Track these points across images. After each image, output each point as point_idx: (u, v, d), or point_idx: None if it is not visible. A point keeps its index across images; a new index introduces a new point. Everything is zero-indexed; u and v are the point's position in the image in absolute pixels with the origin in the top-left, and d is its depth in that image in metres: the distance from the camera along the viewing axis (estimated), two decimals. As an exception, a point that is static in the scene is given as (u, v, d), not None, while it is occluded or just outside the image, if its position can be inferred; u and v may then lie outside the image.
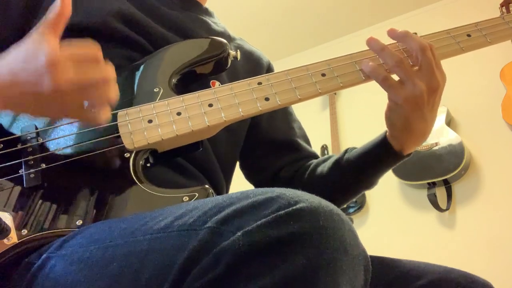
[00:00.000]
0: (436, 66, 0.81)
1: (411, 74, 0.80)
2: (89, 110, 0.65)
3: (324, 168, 0.99)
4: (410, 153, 0.91)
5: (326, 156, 1.04)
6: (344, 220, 0.51)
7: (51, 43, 0.63)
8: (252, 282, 0.46)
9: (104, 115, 0.66)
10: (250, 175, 1.09)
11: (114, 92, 0.66)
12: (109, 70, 0.66)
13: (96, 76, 0.64)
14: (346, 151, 0.97)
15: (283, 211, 0.48)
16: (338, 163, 0.97)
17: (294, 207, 0.48)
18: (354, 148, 0.97)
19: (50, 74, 0.61)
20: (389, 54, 0.81)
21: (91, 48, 0.65)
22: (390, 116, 0.86)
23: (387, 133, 0.90)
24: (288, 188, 0.53)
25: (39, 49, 0.62)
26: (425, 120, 0.83)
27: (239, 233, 0.47)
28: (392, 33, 0.84)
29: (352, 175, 0.95)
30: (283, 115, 1.10)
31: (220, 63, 0.89)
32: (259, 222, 0.47)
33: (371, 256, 0.84)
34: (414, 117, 0.82)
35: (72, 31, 0.84)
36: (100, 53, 0.65)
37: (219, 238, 0.48)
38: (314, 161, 1.04)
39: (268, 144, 1.06)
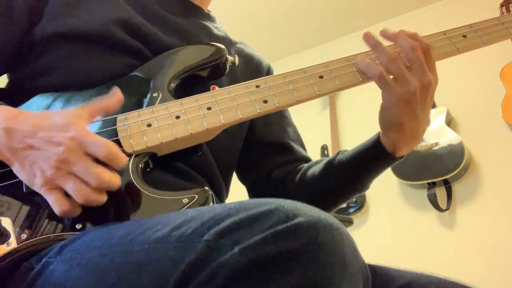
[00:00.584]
0: (429, 66, 0.81)
1: (404, 71, 0.80)
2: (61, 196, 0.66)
3: (315, 170, 0.98)
4: (403, 156, 0.91)
5: (318, 159, 1.03)
6: (344, 234, 0.50)
7: (82, 125, 0.68)
8: None
9: (61, 204, 0.66)
10: (243, 176, 1.09)
11: (98, 197, 0.67)
12: (116, 180, 0.68)
13: (100, 177, 0.66)
14: (338, 153, 0.97)
15: (281, 226, 0.47)
16: (330, 165, 0.96)
17: (292, 222, 0.48)
18: (346, 150, 0.96)
19: (64, 146, 0.65)
20: (383, 51, 0.82)
21: (112, 150, 0.68)
22: (383, 115, 0.86)
23: (380, 134, 0.90)
24: (287, 200, 0.52)
25: (71, 124, 0.67)
26: (417, 119, 0.84)
27: (236, 249, 0.47)
28: (383, 33, 0.85)
29: (344, 177, 0.95)
30: (278, 119, 1.10)
31: (218, 68, 0.90)
32: (256, 238, 0.47)
33: (373, 265, 0.84)
34: (407, 116, 0.83)
35: (74, 39, 0.84)
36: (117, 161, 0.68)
37: (216, 253, 0.47)
38: (306, 164, 1.04)
39: (261, 146, 1.06)
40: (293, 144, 1.08)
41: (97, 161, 0.67)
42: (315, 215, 0.49)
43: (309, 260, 0.46)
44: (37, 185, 0.66)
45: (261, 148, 1.06)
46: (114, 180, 0.67)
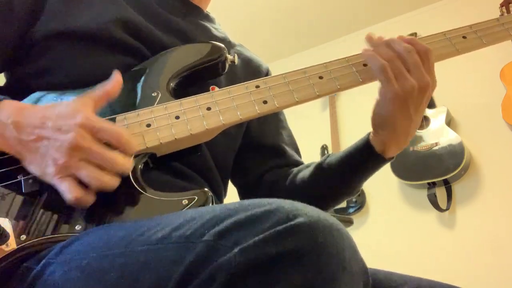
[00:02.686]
0: (426, 69, 0.81)
1: (403, 69, 0.80)
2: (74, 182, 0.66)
3: (305, 174, 0.98)
4: (392, 157, 0.91)
5: (309, 163, 1.03)
6: (344, 235, 0.50)
7: (90, 112, 0.69)
8: None
9: (73, 191, 0.66)
10: (234, 177, 1.08)
11: (113, 181, 0.67)
12: (130, 164, 0.69)
13: (109, 157, 0.67)
14: (328, 156, 0.97)
15: (281, 227, 0.47)
16: (319, 167, 0.96)
17: (292, 223, 0.47)
18: (335, 154, 0.96)
19: (74, 133, 0.65)
20: (385, 49, 0.82)
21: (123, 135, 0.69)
22: (378, 111, 0.85)
23: (370, 135, 0.89)
24: (287, 200, 0.52)
25: (77, 111, 0.68)
26: (410, 119, 0.83)
27: (235, 250, 0.47)
28: (380, 39, 0.85)
29: (333, 180, 0.95)
30: (273, 121, 1.10)
31: (217, 67, 0.89)
32: (256, 238, 0.47)
33: (376, 270, 0.84)
34: (400, 115, 0.82)
35: (74, 38, 0.84)
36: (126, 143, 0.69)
37: (216, 253, 0.47)
38: (296, 168, 1.04)
39: (255, 148, 1.06)
40: (286, 148, 1.08)
41: (107, 146, 0.68)
42: (315, 216, 0.49)
43: (309, 261, 0.46)
44: (50, 175, 0.66)
45: (254, 151, 1.05)
46: (128, 164, 0.69)
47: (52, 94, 0.81)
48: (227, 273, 0.46)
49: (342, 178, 0.94)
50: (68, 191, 0.65)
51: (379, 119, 0.85)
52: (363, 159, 0.90)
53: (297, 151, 1.12)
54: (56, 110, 0.68)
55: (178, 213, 0.59)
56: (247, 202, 0.53)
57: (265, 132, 1.07)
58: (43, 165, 0.66)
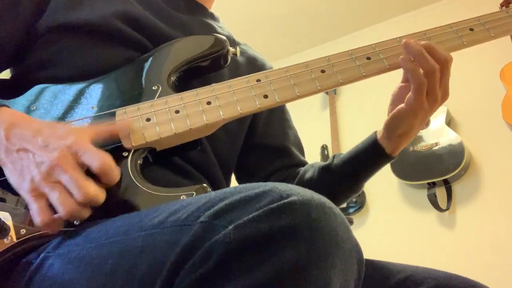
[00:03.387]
0: (442, 82, 0.83)
1: (437, 86, 0.81)
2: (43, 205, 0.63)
3: (313, 175, 0.99)
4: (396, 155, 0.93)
5: (312, 163, 1.04)
6: (337, 213, 0.51)
7: (83, 137, 0.67)
8: (244, 275, 0.46)
9: (42, 213, 0.62)
10: (241, 178, 1.09)
11: (81, 212, 0.64)
12: (102, 196, 0.65)
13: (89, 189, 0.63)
14: (334, 157, 0.98)
15: (274, 204, 0.48)
16: (327, 169, 0.97)
17: (286, 200, 0.48)
18: (342, 154, 0.98)
19: (58, 153, 0.63)
20: (426, 61, 0.80)
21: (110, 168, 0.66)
22: (398, 117, 0.85)
23: (379, 136, 0.90)
24: (281, 182, 0.53)
25: (71, 134, 0.66)
26: (423, 126, 0.88)
27: (230, 227, 0.47)
28: (406, 46, 0.82)
29: (342, 181, 0.96)
30: (279, 121, 1.10)
31: (219, 60, 0.88)
32: (250, 216, 0.47)
33: (371, 260, 0.84)
34: (420, 124, 0.86)
35: (77, 31, 0.84)
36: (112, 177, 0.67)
37: (211, 233, 0.48)
38: (302, 168, 1.04)
39: (261, 148, 1.06)
40: (292, 148, 1.08)
41: (90, 175, 0.64)
42: (308, 194, 0.50)
43: (302, 237, 0.47)
44: (24, 190, 0.64)
45: (260, 151, 1.05)
46: (100, 196, 0.64)
47: (53, 87, 0.81)
48: (222, 250, 0.46)
49: (351, 179, 0.96)
50: (37, 213, 0.62)
51: (397, 124, 0.86)
52: (373, 160, 0.92)
53: (301, 151, 1.12)
54: (52, 129, 0.67)
55: (175, 201, 0.60)
56: (242, 185, 0.54)
57: (271, 132, 1.07)
58: (20, 179, 0.64)
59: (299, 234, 0.47)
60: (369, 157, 0.92)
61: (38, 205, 0.62)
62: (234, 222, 0.47)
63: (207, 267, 0.47)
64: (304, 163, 1.08)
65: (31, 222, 0.68)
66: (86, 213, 0.64)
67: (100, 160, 0.64)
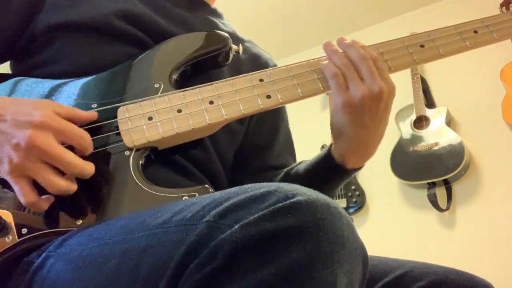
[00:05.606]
0: (380, 75, 0.80)
1: (356, 76, 0.79)
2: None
3: (276, 179, 0.98)
4: (357, 167, 0.89)
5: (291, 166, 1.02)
6: (342, 213, 0.51)
7: (50, 112, 0.66)
8: (250, 274, 0.46)
9: (26, 194, 0.63)
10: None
11: (70, 186, 0.65)
12: (88, 167, 0.66)
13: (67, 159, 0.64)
14: (300, 163, 0.97)
15: (280, 204, 0.48)
16: (288, 174, 0.96)
17: (291, 200, 0.48)
18: (306, 160, 0.95)
19: (31, 131, 0.62)
20: (338, 56, 0.81)
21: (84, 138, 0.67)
22: (332, 121, 0.84)
23: (332, 145, 0.88)
24: (286, 182, 0.53)
25: (37, 109, 0.65)
26: (366, 128, 0.81)
27: (236, 226, 0.47)
28: (339, 41, 0.84)
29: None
30: (271, 121, 1.07)
31: (221, 57, 0.87)
32: (256, 215, 0.47)
33: (371, 256, 0.84)
34: (353, 123, 0.80)
35: (77, 29, 0.84)
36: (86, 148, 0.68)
37: (217, 232, 0.48)
38: (283, 171, 1.02)
39: (247, 146, 1.02)
40: (277, 151, 1.06)
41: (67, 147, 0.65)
42: (313, 195, 0.50)
43: (308, 236, 0.47)
44: (3, 172, 0.63)
45: (246, 148, 1.02)
46: (88, 167, 0.65)
47: (51, 82, 0.81)
48: (227, 250, 0.46)
49: (309, 186, 0.94)
50: (22, 194, 0.63)
51: (334, 128, 0.85)
52: (324, 170, 0.89)
53: (290, 152, 1.09)
54: (17, 104, 0.66)
55: (178, 201, 0.59)
56: (246, 185, 0.54)
57: (260, 131, 1.05)
58: None
59: (304, 234, 0.47)
60: (323, 167, 0.89)
61: (20, 186, 0.63)
62: (239, 222, 0.47)
63: (213, 266, 0.47)
64: (288, 165, 1.05)
65: (32, 222, 0.67)
66: (74, 187, 0.65)
67: (78, 136, 0.66)
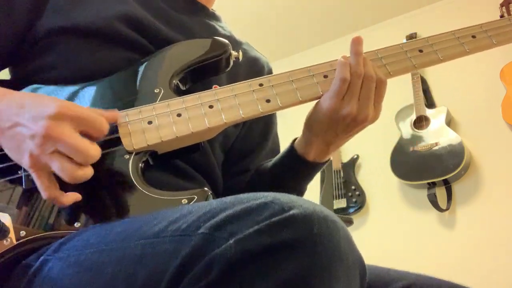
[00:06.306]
0: (375, 100, 0.81)
1: (356, 93, 0.80)
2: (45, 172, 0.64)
3: (246, 179, 0.99)
4: (319, 163, 0.90)
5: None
6: (339, 226, 0.50)
7: (65, 102, 0.66)
8: None
9: (47, 188, 0.64)
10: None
11: (85, 174, 0.65)
12: (97, 151, 0.66)
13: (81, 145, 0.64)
14: (269, 160, 0.97)
15: (276, 218, 0.47)
16: (257, 171, 0.97)
17: (287, 214, 0.48)
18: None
19: (46, 122, 0.63)
20: (357, 64, 0.80)
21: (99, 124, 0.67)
22: (310, 116, 0.85)
23: (296, 139, 0.90)
24: (283, 193, 0.52)
25: (53, 101, 0.65)
26: (335, 136, 0.84)
27: (231, 241, 0.47)
28: (358, 45, 0.83)
29: (268, 183, 0.95)
30: (263, 126, 1.07)
31: (221, 64, 0.88)
32: (251, 229, 0.47)
33: (373, 267, 0.84)
34: (326, 127, 0.83)
35: (78, 34, 0.83)
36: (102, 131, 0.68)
37: (212, 245, 0.48)
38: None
39: (235, 150, 1.02)
40: (264, 155, 1.06)
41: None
42: (310, 208, 0.49)
43: (305, 251, 0.46)
44: (26, 166, 0.64)
45: (234, 151, 1.02)
46: (96, 152, 0.66)
47: (51, 87, 0.81)
48: (223, 264, 0.46)
49: (274, 181, 0.94)
50: (43, 188, 0.64)
51: (308, 122, 0.86)
52: (288, 161, 0.91)
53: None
54: (37, 99, 0.67)
55: (175, 208, 0.59)
56: (243, 195, 0.53)
57: (250, 136, 1.05)
58: (19, 155, 0.64)
59: (301, 248, 0.46)
60: (286, 159, 0.91)
61: (43, 180, 0.64)
62: (235, 235, 0.47)
63: (208, 280, 0.46)
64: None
65: (31, 224, 0.68)
66: (90, 172, 0.66)
67: (93, 120, 0.66)
